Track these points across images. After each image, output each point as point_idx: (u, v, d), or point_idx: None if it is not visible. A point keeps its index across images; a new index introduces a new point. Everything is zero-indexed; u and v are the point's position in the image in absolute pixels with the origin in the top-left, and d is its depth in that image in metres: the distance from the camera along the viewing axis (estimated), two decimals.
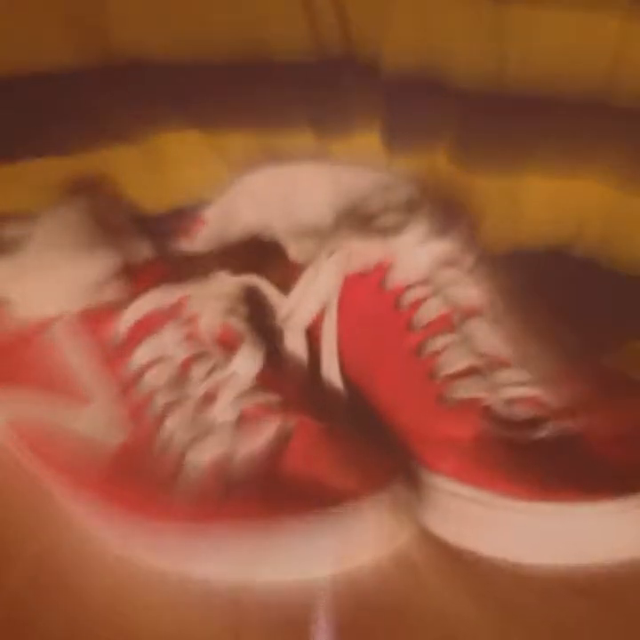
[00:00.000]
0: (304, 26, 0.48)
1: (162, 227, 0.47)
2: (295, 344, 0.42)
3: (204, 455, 0.34)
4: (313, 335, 0.42)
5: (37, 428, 0.38)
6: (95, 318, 0.38)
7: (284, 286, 0.43)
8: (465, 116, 0.46)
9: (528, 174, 0.46)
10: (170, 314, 0.39)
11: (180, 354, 0.38)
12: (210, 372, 0.37)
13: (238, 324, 0.39)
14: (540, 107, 0.44)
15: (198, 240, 0.47)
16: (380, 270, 0.41)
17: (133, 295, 0.39)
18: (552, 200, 0.46)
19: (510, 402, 0.36)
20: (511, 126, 0.45)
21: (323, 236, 0.44)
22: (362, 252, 0.41)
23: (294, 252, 0.45)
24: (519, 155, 0.46)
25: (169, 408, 0.36)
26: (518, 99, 0.45)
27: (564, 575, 0.32)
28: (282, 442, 0.34)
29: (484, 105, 0.45)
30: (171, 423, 0.35)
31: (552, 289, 0.47)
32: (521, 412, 0.36)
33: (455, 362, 0.38)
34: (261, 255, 0.47)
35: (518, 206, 0.47)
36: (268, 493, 0.33)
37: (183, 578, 0.32)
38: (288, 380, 0.39)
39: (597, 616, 0.31)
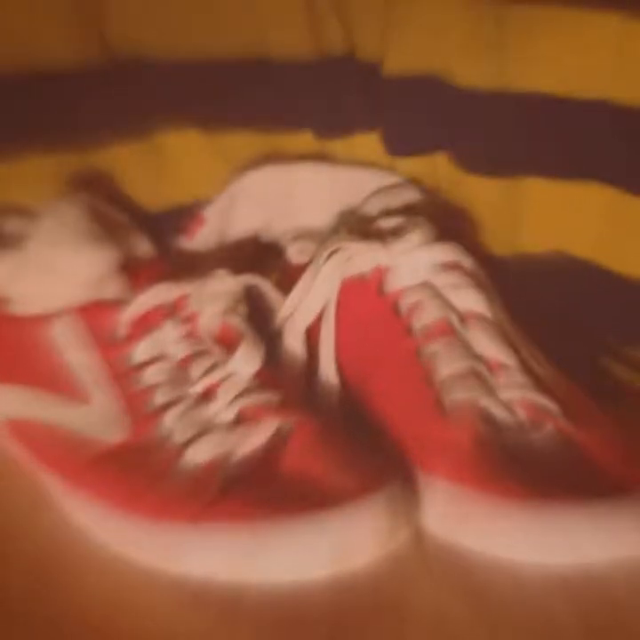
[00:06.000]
0: (305, 26, 0.48)
1: (162, 225, 0.47)
2: (294, 345, 0.42)
3: (202, 454, 0.34)
4: (311, 336, 0.42)
5: (35, 425, 0.38)
6: (94, 315, 0.38)
7: (283, 287, 0.43)
8: (466, 119, 0.46)
9: (529, 176, 0.46)
10: (169, 312, 0.39)
11: (179, 352, 0.38)
12: (208, 371, 0.37)
13: (238, 323, 0.39)
14: (542, 108, 0.44)
15: (198, 239, 0.47)
16: (379, 274, 0.41)
17: (133, 293, 0.39)
18: (553, 203, 0.46)
19: (507, 405, 0.37)
20: (512, 128, 0.46)
21: (322, 237, 0.45)
22: (361, 254, 0.41)
23: (293, 252, 0.45)
24: (520, 157, 0.46)
25: (167, 406, 0.36)
26: (519, 100, 0.45)
27: (557, 576, 0.32)
28: (280, 442, 0.34)
29: (484, 107, 0.45)
30: (169, 421, 0.35)
31: (552, 292, 0.47)
32: (518, 415, 0.36)
33: (453, 365, 0.38)
34: (260, 255, 0.47)
35: (519, 209, 0.47)
36: (266, 493, 0.33)
37: (180, 577, 0.32)
38: (287, 380, 0.39)
39: (590, 616, 0.31)
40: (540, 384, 0.37)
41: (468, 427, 0.35)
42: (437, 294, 0.40)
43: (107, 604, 0.32)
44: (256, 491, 0.33)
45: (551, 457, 0.35)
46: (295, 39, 0.48)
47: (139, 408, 0.36)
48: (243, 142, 0.49)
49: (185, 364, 0.38)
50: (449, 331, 0.39)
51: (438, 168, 0.48)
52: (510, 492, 0.33)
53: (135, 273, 0.40)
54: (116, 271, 0.39)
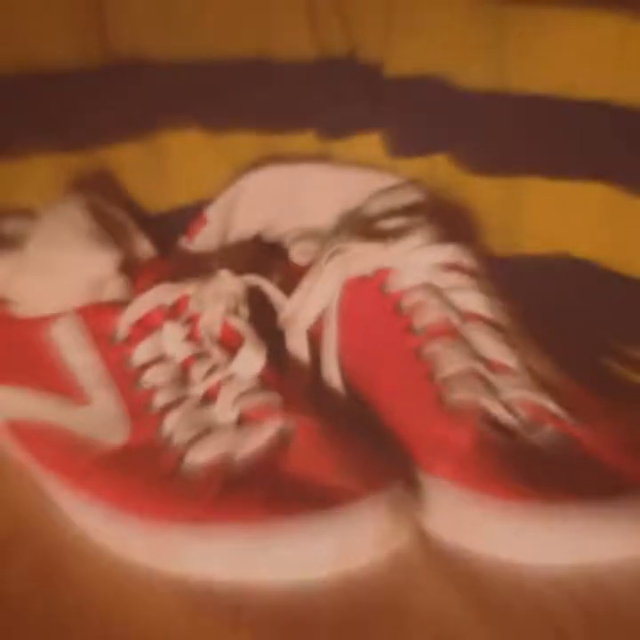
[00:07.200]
0: (306, 27, 0.48)
1: (163, 225, 0.47)
2: (296, 345, 0.42)
3: (204, 455, 0.34)
4: (314, 337, 0.42)
5: (36, 426, 0.38)
6: (96, 316, 0.38)
7: (286, 287, 0.43)
8: (466, 119, 0.46)
9: (529, 177, 0.46)
10: (171, 313, 0.39)
11: (181, 353, 0.38)
12: (210, 372, 0.37)
13: (239, 325, 0.39)
14: (542, 109, 0.44)
15: (199, 239, 0.47)
16: (381, 274, 0.41)
17: (134, 294, 0.39)
18: (553, 203, 0.46)
19: (508, 405, 0.36)
20: (513, 129, 0.46)
21: (324, 238, 0.45)
22: (363, 255, 0.41)
23: (296, 253, 0.45)
24: (520, 157, 0.46)
25: (169, 407, 0.36)
26: (520, 101, 0.45)
27: (559, 576, 0.32)
28: (282, 442, 0.34)
29: (485, 107, 0.45)
30: (170, 423, 0.35)
31: (553, 292, 0.47)
32: (519, 415, 0.36)
33: (454, 365, 0.38)
34: (263, 256, 0.47)
35: (519, 209, 0.47)
36: (268, 494, 0.33)
37: (181, 578, 0.32)
38: (289, 380, 0.39)
39: (592, 617, 0.31)
40: (540, 384, 0.37)
41: (469, 427, 0.35)
42: (439, 295, 0.40)
43: (108, 605, 0.32)
44: (257, 491, 0.33)
45: (552, 457, 0.35)
46: (296, 40, 0.48)
47: (140, 409, 0.36)
48: (244, 143, 0.49)
49: (186, 365, 0.38)
50: (450, 331, 0.39)
51: (439, 169, 0.48)
52: (511, 492, 0.33)
53: (136, 274, 0.40)
54: (116, 272, 0.39)
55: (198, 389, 0.37)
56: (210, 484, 0.33)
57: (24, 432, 0.38)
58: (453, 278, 0.40)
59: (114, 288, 0.39)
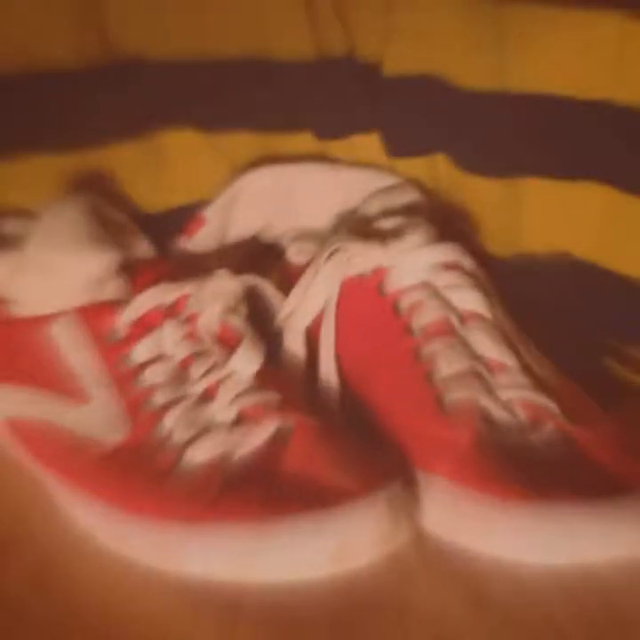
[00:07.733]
0: (305, 26, 0.48)
1: (162, 225, 0.47)
2: (294, 345, 0.42)
3: (203, 454, 0.34)
4: (312, 336, 0.42)
5: (35, 425, 0.38)
6: (94, 316, 0.38)
7: (283, 287, 0.43)
8: (465, 119, 0.46)
9: (529, 177, 0.46)
10: (169, 312, 0.39)
11: (179, 352, 0.38)
12: (209, 371, 0.37)
13: (238, 324, 0.39)
14: (541, 108, 0.44)
15: (198, 239, 0.47)
16: (379, 274, 0.41)
17: (133, 293, 0.39)
18: (553, 203, 0.46)
19: (507, 405, 0.36)
20: (512, 129, 0.45)
21: (322, 237, 0.45)
22: (361, 255, 0.41)
23: (293, 253, 0.45)
24: (520, 157, 0.46)
25: (167, 406, 0.36)
26: (519, 101, 0.45)
27: (559, 576, 0.32)
28: (280, 441, 0.34)
29: (485, 107, 0.45)
30: (169, 421, 0.35)
31: (552, 293, 0.47)
32: (518, 415, 0.36)
33: (453, 365, 0.38)
34: (261, 255, 0.47)
35: (519, 209, 0.47)
36: (266, 493, 0.33)
37: (180, 577, 0.32)
38: (287, 380, 0.39)
39: (591, 617, 0.31)
40: (539, 384, 0.37)
41: (468, 427, 0.35)
42: (437, 294, 0.40)
43: (107, 604, 0.32)
44: (256, 490, 0.33)
45: (551, 457, 0.35)
46: (295, 39, 0.48)
47: (139, 408, 0.36)
48: (242, 142, 0.49)
49: (185, 364, 0.38)
50: (448, 331, 0.39)
51: (438, 169, 0.48)
52: (510, 491, 0.33)
53: (135, 273, 0.40)
54: (115, 272, 0.39)
55: (197, 388, 0.37)
56: (208, 483, 0.33)
57: (24, 431, 0.38)
58: (452, 278, 0.40)
59: (113, 288, 0.39)
